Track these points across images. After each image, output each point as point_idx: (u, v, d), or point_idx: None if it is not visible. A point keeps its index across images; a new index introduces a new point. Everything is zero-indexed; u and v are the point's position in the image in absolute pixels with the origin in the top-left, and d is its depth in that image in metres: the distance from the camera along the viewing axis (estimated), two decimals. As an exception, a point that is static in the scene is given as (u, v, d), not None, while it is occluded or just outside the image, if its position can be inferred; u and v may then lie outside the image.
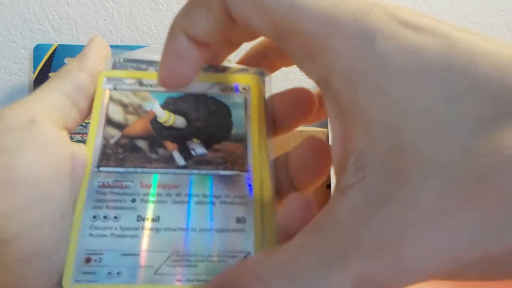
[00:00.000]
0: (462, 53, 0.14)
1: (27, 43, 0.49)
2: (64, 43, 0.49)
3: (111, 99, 0.22)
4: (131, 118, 0.22)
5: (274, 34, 0.18)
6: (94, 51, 0.22)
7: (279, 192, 0.22)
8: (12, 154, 0.18)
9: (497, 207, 0.13)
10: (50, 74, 0.47)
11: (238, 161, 0.22)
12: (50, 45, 0.48)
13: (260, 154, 0.22)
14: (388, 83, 0.15)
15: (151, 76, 0.23)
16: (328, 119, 0.17)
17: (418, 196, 0.14)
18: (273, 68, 0.25)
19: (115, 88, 0.23)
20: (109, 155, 0.21)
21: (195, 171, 0.21)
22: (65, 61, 0.47)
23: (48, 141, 0.19)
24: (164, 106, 0.23)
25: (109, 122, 0.22)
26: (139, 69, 0.23)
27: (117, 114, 0.22)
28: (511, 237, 0.13)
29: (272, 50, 0.24)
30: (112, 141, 0.21)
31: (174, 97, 0.23)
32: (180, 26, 0.20)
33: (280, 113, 0.23)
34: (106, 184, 0.20)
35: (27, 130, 0.19)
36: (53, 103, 0.20)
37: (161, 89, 0.22)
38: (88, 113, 0.22)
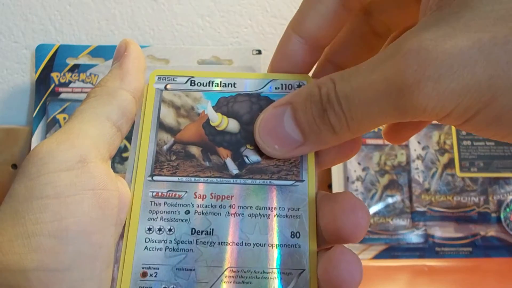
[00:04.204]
0: None
1: (29, 43, 0.49)
2: (66, 43, 0.49)
3: (163, 100, 0.22)
4: (183, 121, 0.21)
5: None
6: (134, 63, 0.21)
7: None
8: (64, 199, 0.17)
9: None
10: (52, 74, 0.47)
11: (293, 170, 0.21)
12: (52, 45, 0.48)
13: (314, 161, 0.21)
14: None
15: (202, 74, 0.22)
16: None
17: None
18: None
19: (166, 88, 0.22)
20: (162, 163, 0.20)
21: (249, 181, 0.20)
22: (67, 61, 0.47)
23: (98, 185, 0.18)
24: (217, 107, 0.22)
25: (161, 126, 0.21)
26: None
27: (169, 117, 0.21)
28: None
29: None
30: (165, 147, 0.21)
31: (226, 97, 0.22)
32: (291, 25, 0.20)
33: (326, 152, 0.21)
34: (160, 194, 0.20)
35: (77, 172, 0.18)
36: (100, 135, 0.19)
37: (214, 88, 0.22)
38: (126, 134, 0.21)
